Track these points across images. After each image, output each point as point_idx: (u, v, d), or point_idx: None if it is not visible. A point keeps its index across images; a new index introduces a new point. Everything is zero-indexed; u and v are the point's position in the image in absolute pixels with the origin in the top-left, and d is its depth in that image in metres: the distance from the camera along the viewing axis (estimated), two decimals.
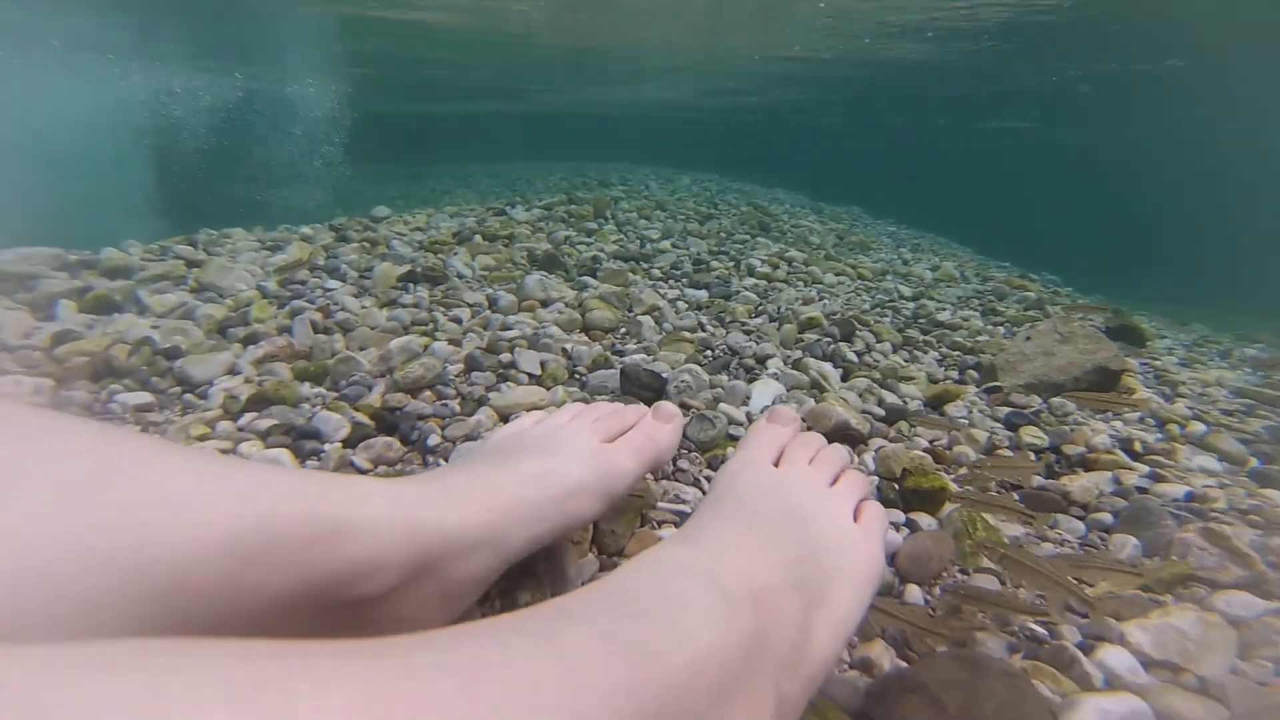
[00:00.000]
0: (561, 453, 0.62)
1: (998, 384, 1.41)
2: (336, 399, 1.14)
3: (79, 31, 7.12)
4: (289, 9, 6.12)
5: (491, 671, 0.27)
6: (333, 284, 1.78)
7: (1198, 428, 1.32)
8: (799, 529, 0.52)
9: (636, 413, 0.73)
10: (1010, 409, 1.28)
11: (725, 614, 0.39)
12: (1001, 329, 2.07)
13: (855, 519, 0.57)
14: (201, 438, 0.98)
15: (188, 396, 1.16)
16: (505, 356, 1.35)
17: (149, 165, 9.60)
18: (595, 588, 0.39)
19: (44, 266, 1.75)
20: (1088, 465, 1.09)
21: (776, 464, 0.61)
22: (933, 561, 0.73)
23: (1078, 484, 1.01)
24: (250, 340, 1.38)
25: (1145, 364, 1.94)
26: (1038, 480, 1.05)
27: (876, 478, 0.98)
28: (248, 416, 1.04)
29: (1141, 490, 1.01)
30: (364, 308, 1.58)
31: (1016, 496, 1.02)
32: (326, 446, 0.98)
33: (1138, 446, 1.14)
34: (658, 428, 0.71)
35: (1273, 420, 1.47)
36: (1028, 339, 1.50)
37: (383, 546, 0.48)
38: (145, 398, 1.13)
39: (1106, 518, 0.94)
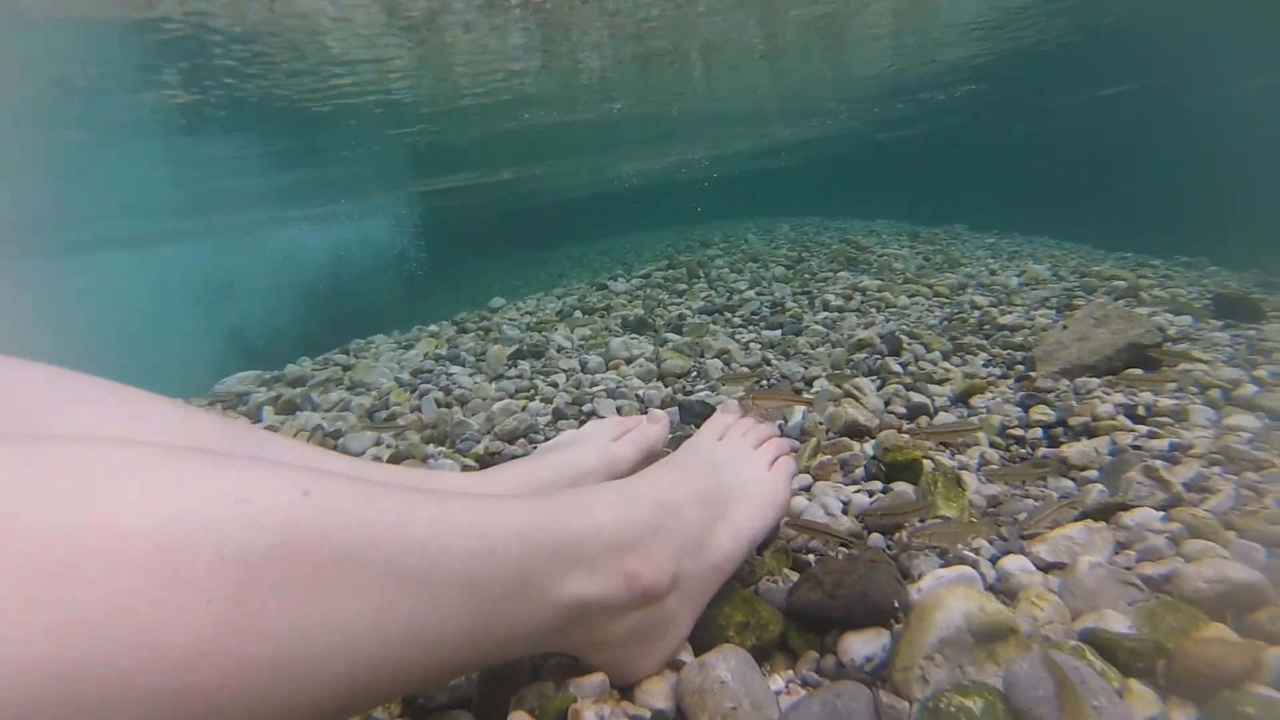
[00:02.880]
0: (579, 447, 0.89)
1: (1030, 373, 1.51)
2: (452, 452, 1.46)
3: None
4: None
5: (366, 490, 0.51)
6: (455, 368, 2.17)
7: (1248, 389, 1.35)
8: (715, 471, 0.76)
9: (636, 419, 0.99)
10: (1027, 392, 1.38)
11: (623, 504, 0.63)
12: (1062, 322, 2.09)
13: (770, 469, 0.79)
14: None
15: None
16: (587, 406, 1.64)
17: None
18: (547, 494, 0.66)
19: (251, 384, 2.29)
20: (1091, 433, 1.18)
21: (723, 439, 0.85)
22: (892, 514, 0.90)
23: (1076, 449, 1.12)
24: (391, 420, 1.76)
25: (1239, 336, 1.90)
26: (1042, 451, 1.17)
27: (869, 460, 1.15)
28: None
29: (1137, 448, 1.10)
30: (476, 383, 1.93)
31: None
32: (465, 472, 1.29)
33: (1141, 411, 1.22)
34: (650, 427, 0.97)
35: None
36: (1064, 327, 1.59)
37: None
38: None
39: (1093, 474, 1.05)
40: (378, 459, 1.46)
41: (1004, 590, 0.74)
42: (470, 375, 2.05)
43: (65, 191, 6.61)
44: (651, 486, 0.70)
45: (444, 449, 1.53)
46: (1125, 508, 0.86)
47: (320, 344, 2.92)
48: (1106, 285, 2.63)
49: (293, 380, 2.29)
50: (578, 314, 2.78)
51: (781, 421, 1.43)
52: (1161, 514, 0.82)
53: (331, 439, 1.66)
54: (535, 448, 1.47)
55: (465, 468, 1.34)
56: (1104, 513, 0.86)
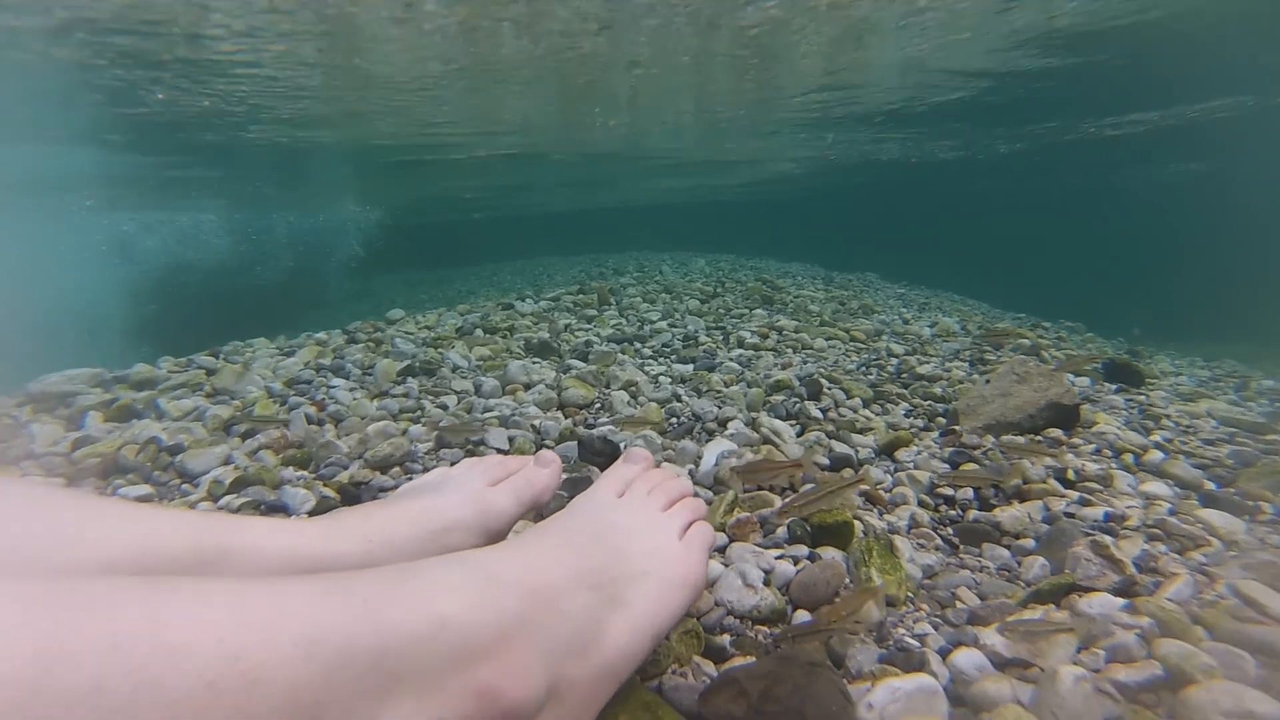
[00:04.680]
0: (446, 493, 0.71)
1: (954, 427, 1.44)
2: (313, 479, 1.24)
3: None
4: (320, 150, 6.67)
5: (220, 596, 0.35)
6: (337, 382, 1.92)
7: (1155, 455, 1.33)
8: (609, 541, 0.59)
9: (521, 461, 0.81)
10: (956, 449, 1.31)
11: (481, 593, 0.46)
12: (985, 376, 2.09)
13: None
14: None
15: (184, 486, 1.28)
16: (476, 436, 1.45)
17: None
18: (377, 569, 0.47)
19: (84, 385, 1.95)
20: (1022, 496, 1.11)
21: (623, 496, 0.68)
22: (820, 588, 0.77)
23: (1009, 514, 1.04)
24: (249, 434, 1.51)
25: (1130, 400, 1.94)
26: (973, 514, 1.08)
27: (788, 515, 1.02)
28: (228, 498, 1.15)
29: (1069, 515, 1.03)
30: (355, 399, 1.70)
31: (951, 531, 1.05)
32: (292, 517, 1.07)
33: (1071, 475, 1.16)
34: (536, 473, 0.79)
35: (1248, 447, 1.46)
36: (987, 382, 1.54)
37: (264, 571, 0.56)
38: (146, 490, 1.25)
39: (1030, 543, 0.97)
40: (218, 482, 1.22)
41: (968, 700, 0.62)
42: (351, 390, 1.81)
43: None
44: (524, 562, 0.53)
45: (305, 473, 1.30)
46: (1078, 589, 0.77)
47: (190, 345, 2.58)
48: (1011, 343, 2.68)
49: (138, 382, 1.97)
50: (479, 332, 2.58)
51: (691, 466, 1.30)
52: (1122, 602, 0.73)
53: (169, 454, 1.40)
54: (410, 478, 1.27)
55: (322, 499, 1.12)
56: (1055, 594, 0.76)
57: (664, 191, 15.56)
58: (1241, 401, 2.23)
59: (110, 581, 0.34)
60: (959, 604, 0.78)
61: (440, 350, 2.25)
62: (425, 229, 17.90)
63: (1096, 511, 1.02)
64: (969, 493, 1.13)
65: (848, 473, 1.24)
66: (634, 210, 21.57)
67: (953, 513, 1.11)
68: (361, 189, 10.10)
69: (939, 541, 1.01)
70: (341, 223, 13.43)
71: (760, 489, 1.11)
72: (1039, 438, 1.41)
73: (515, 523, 0.74)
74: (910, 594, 0.81)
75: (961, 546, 0.99)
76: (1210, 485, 1.20)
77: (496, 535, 0.72)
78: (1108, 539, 0.83)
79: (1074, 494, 1.10)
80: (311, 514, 1.09)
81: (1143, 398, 1.98)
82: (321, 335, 2.61)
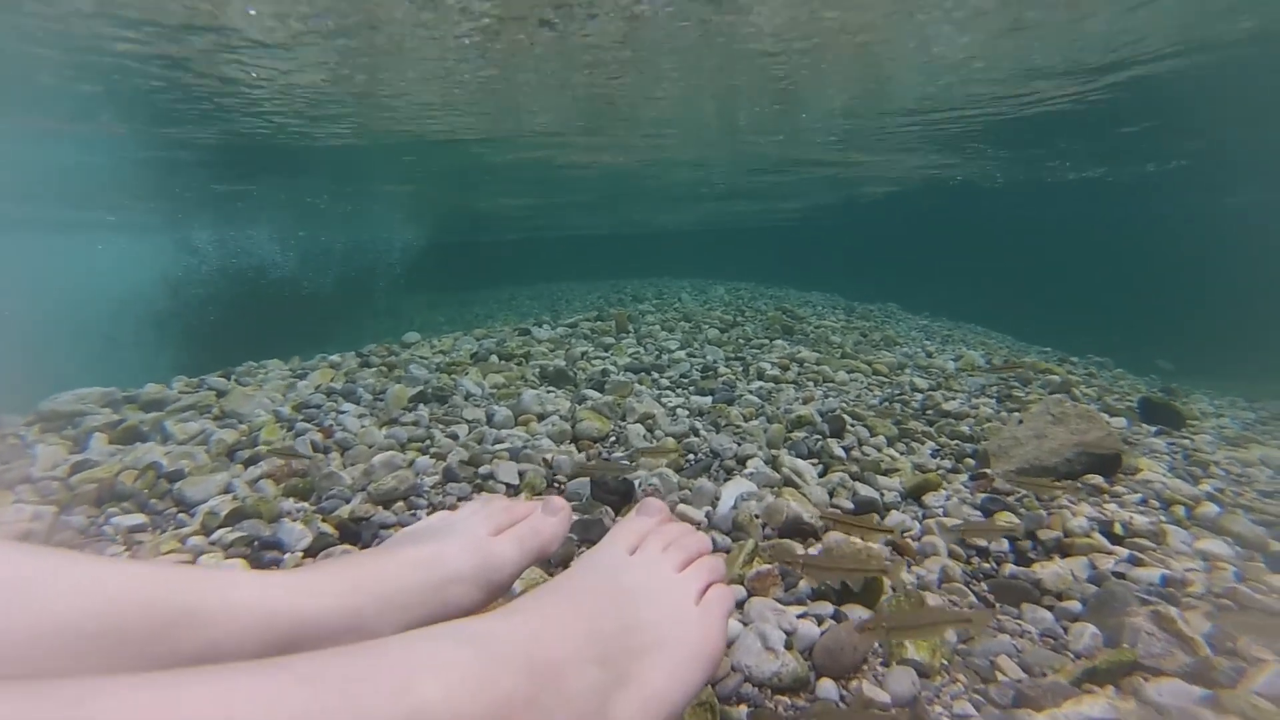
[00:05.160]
0: (447, 540, 0.64)
1: (984, 470, 1.36)
2: (313, 512, 1.19)
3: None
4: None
5: (196, 688, 0.30)
6: (347, 407, 1.88)
7: (1209, 509, 1.23)
8: (621, 607, 0.53)
9: (528, 507, 0.75)
10: (989, 495, 1.23)
11: (475, 675, 0.40)
12: (1017, 415, 2.00)
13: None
14: (170, 552, 1.03)
15: (181, 516, 1.23)
16: (485, 468, 1.39)
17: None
18: (358, 645, 0.41)
19: (93, 405, 1.92)
20: (1064, 550, 1.03)
21: (636, 551, 0.62)
22: (847, 654, 0.70)
23: (1050, 570, 0.96)
24: (252, 461, 1.46)
25: (1173, 444, 1.84)
26: (1010, 569, 1.00)
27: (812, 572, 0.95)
28: (222, 531, 1.10)
29: (1119, 575, 0.94)
30: (363, 427, 1.66)
31: (985, 587, 0.97)
32: (286, 556, 1.02)
33: (1118, 529, 1.07)
34: (544, 520, 0.72)
35: None
36: (1020, 422, 1.46)
37: (235, 632, 0.50)
38: (140, 519, 1.20)
39: (1075, 605, 0.89)
40: (213, 513, 1.17)
41: None
42: (360, 417, 1.76)
43: None
44: (526, 632, 0.47)
45: (305, 505, 1.25)
46: (1141, 669, 0.69)
47: (202, 365, 2.56)
48: (1040, 379, 2.58)
49: (148, 403, 1.94)
50: (494, 358, 2.53)
51: (709, 507, 1.23)
52: (1201, 692, 0.64)
53: (168, 480, 1.36)
54: (414, 514, 1.21)
55: (320, 535, 1.07)
56: (1114, 673, 0.68)
57: (690, 218, 15.62)
58: None
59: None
60: (1000, 675, 0.71)
61: (454, 376, 2.20)
62: (449, 250, 18.04)
63: (1151, 574, 0.93)
64: (1003, 544, 1.05)
65: (874, 518, 1.16)
66: (655, 235, 21.65)
67: (986, 565, 1.03)
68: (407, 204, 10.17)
69: (973, 599, 0.93)
70: (375, 242, 13.62)
71: (780, 537, 1.04)
72: (1077, 484, 1.32)
73: (520, 573, 0.68)
74: (945, 661, 0.73)
75: (998, 606, 0.91)
76: (1277, 545, 1.11)
77: (499, 588, 0.65)
78: (1172, 610, 0.75)
79: (1122, 550, 1.02)
80: (308, 552, 1.04)
81: (1186, 441, 1.88)
82: (335, 357, 2.58)
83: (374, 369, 2.34)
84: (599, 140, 5.96)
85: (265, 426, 1.68)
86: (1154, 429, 2.03)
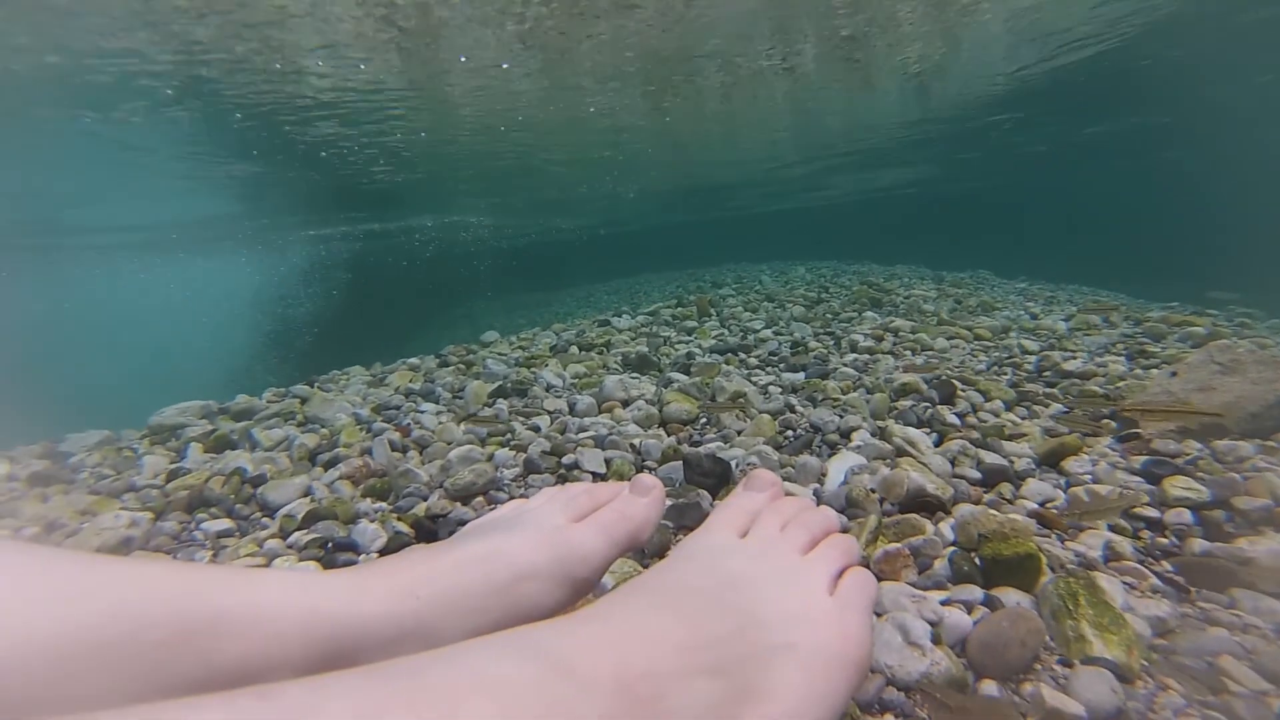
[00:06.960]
0: (517, 532, 0.55)
1: (1134, 430, 1.17)
2: (390, 511, 1.13)
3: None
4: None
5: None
6: (425, 406, 1.84)
7: None
8: (733, 602, 0.41)
9: (613, 489, 0.64)
10: (1150, 457, 1.05)
11: (541, 693, 0.30)
12: (1156, 371, 1.76)
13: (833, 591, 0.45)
14: (248, 556, 1.00)
15: (264, 520, 1.20)
16: (569, 458, 1.31)
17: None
18: (394, 661, 0.31)
19: (193, 416, 1.97)
20: (1276, 523, 0.85)
21: (747, 534, 0.50)
22: (1012, 649, 0.57)
23: (1264, 548, 0.78)
24: (332, 463, 1.44)
25: None
26: (1200, 544, 0.83)
27: (953, 548, 0.81)
28: (298, 534, 1.06)
29: None
30: (441, 424, 1.61)
31: (1170, 567, 0.81)
32: (360, 557, 0.96)
33: None
34: (632, 502, 0.60)
35: None
36: (1173, 374, 1.26)
37: (274, 641, 0.42)
38: (227, 524, 1.18)
39: None
40: (290, 516, 1.13)
41: None
42: (438, 414, 1.72)
43: None
44: (609, 640, 0.36)
45: (383, 505, 1.20)
46: None
47: (292, 375, 2.62)
48: (1178, 332, 2.30)
49: (238, 413, 1.97)
50: (574, 349, 2.47)
51: (816, 485, 1.10)
52: None
53: (251, 485, 1.34)
54: (495, 508, 1.14)
55: (395, 534, 1.01)
56: None
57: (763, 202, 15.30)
58: None
59: None
60: (1230, 683, 0.56)
61: (533, 370, 2.14)
62: (526, 251, 18.28)
63: None
64: (1185, 514, 0.88)
65: (1005, 488, 1.01)
66: (728, 222, 21.32)
67: (1164, 540, 0.86)
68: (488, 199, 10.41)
69: (1155, 581, 0.77)
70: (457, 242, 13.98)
71: (904, 511, 0.90)
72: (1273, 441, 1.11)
73: (608, 566, 0.58)
74: (1145, 661, 0.59)
75: (1194, 590, 0.74)
76: None
77: (584, 584, 0.55)
78: None
79: None
80: (382, 552, 0.98)
81: None
82: (414, 360, 2.58)
83: (451, 368, 2.32)
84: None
85: (345, 429, 1.66)
86: None
